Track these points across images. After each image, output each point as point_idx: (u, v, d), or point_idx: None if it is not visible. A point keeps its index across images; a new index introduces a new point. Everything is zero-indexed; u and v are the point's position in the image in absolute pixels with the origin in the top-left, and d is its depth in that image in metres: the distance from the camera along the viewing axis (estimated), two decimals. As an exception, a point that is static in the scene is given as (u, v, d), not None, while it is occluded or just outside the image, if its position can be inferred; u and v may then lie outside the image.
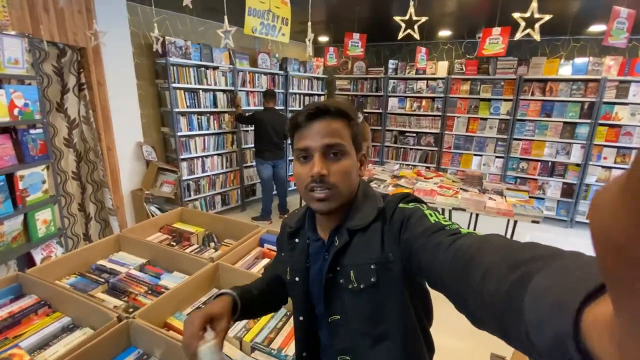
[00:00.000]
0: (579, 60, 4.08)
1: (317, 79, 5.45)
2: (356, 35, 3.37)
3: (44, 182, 2.27)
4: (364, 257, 0.67)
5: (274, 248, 1.60)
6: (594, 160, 4.17)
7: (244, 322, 1.17)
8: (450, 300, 0.49)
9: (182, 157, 3.68)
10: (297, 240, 0.80)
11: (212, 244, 1.71)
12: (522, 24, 1.34)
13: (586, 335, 0.22)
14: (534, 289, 0.31)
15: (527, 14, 1.30)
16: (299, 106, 5.20)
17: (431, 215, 0.61)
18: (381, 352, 0.68)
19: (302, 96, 5.22)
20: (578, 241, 3.97)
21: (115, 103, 3.17)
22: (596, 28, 3.82)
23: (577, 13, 3.15)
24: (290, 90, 4.94)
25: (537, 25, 1.28)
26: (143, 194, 3.36)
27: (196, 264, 1.37)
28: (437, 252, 0.52)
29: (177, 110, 3.54)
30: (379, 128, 5.39)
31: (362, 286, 0.66)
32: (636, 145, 3.96)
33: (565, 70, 4.16)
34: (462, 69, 4.68)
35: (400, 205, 0.67)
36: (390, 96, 5.19)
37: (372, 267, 0.66)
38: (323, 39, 5.41)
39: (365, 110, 5.49)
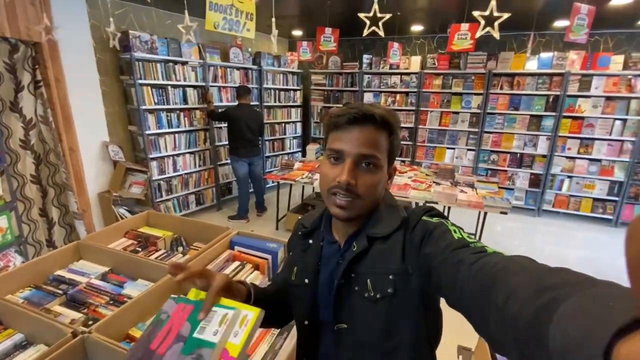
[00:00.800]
0: (544, 55, 4.24)
1: (292, 73, 5.38)
2: (328, 30, 3.34)
3: (-4, 187, 2.12)
4: (383, 266, 0.65)
5: (246, 251, 1.57)
6: (559, 151, 4.37)
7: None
8: (469, 321, 0.46)
9: (151, 156, 3.55)
10: (310, 241, 0.78)
11: (181, 249, 1.66)
12: (482, 22, 1.36)
13: None
14: (561, 316, 0.29)
15: (487, 12, 1.32)
16: (274, 101, 5.13)
17: (455, 231, 0.59)
18: None
19: (277, 91, 5.15)
20: (545, 229, 4.16)
21: (77, 101, 2.99)
22: (560, 23, 3.96)
23: (541, 9, 3.25)
24: (265, 85, 4.86)
25: (496, 24, 1.30)
26: (111, 196, 3.21)
27: (161, 270, 1.32)
28: (459, 269, 0.50)
29: (144, 107, 3.40)
30: (356, 123, 5.40)
31: (378, 296, 0.64)
32: (598, 136, 4.18)
33: (531, 64, 4.30)
34: (434, 64, 4.75)
35: (424, 218, 0.65)
36: (365, 91, 5.20)
37: (390, 277, 0.64)
38: (297, 33, 5.33)
39: (340, 106, 5.49)
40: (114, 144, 3.39)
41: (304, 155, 5.29)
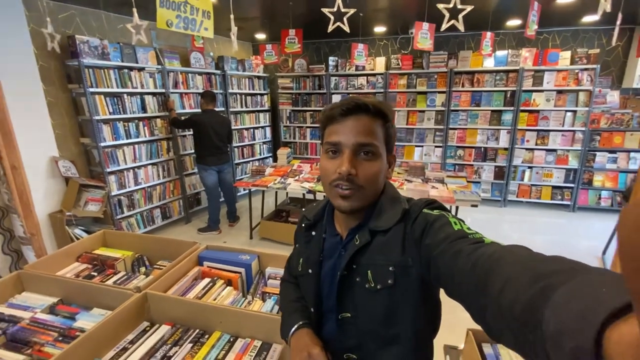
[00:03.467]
0: (500, 53, 4.44)
1: (258, 77, 5.26)
2: (292, 31, 3.28)
3: None
4: (383, 258, 0.66)
5: (216, 266, 1.46)
6: (519, 143, 4.58)
7: (181, 356, 1.02)
8: (467, 310, 0.47)
9: (108, 170, 3.29)
10: (313, 233, 0.80)
11: (143, 269, 1.51)
12: (447, 15, 1.36)
13: (608, 353, 0.22)
14: (555, 302, 0.30)
15: (450, 5, 1.32)
16: (241, 107, 4.98)
17: (455, 223, 0.59)
18: (390, 355, 0.68)
19: (243, 96, 5.01)
20: (511, 218, 4.34)
21: (18, 114, 2.71)
22: (512, 22, 4.17)
23: (495, 8, 3.40)
24: (230, 91, 4.70)
25: (460, 16, 1.31)
26: (64, 216, 2.93)
27: (120, 296, 1.18)
28: (456, 260, 0.50)
29: (97, 117, 3.14)
30: (325, 125, 5.38)
31: (378, 287, 0.66)
32: (552, 128, 4.43)
33: (489, 62, 4.49)
34: (398, 64, 4.84)
35: (425, 210, 0.66)
36: (333, 93, 5.19)
37: (391, 269, 0.65)
38: (260, 36, 5.23)
39: (309, 109, 5.44)
40: (65, 159, 3.10)
41: (275, 160, 5.18)
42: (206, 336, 1.11)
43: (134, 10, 1.35)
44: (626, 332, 0.21)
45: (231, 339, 1.09)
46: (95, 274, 1.45)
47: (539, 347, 0.30)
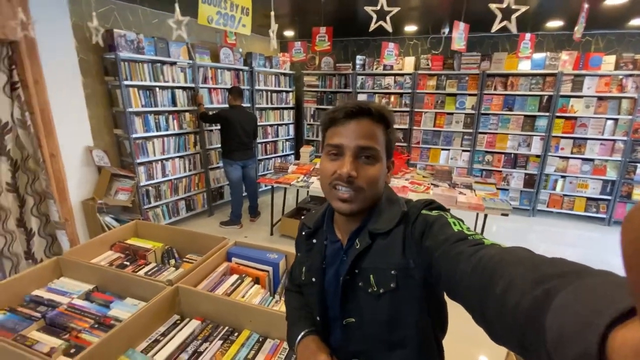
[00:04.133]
0: (537, 56, 4.24)
1: (284, 75, 5.27)
2: (323, 29, 3.25)
3: (-32, 197, 1.95)
4: (385, 261, 0.66)
5: (245, 262, 1.46)
6: (553, 151, 4.38)
7: (211, 353, 1.02)
8: (469, 312, 0.46)
9: (138, 161, 3.38)
10: (314, 240, 0.79)
11: (173, 261, 1.53)
12: (499, 15, 1.29)
13: (611, 358, 0.21)
14: (557, 306, 0.29)
15: (504, 5, 1.25)
16: (266, 103, 5.01)
17: (455, 224, 0.59)
18: (397, 359, 0.67)
19: (269, 93, 5.03)
20: (540, 229, 4.16)
21: (58, 103, 2.82)
22: (553, 24, 3.96)
23: (536, 10, 3.24)
24: (257, 87, 4.73)
25: (513, 17, 1.24)
26: (95, 203, 3.04)
27: (152, 288, 1.19)
28: (457, 262, 0.50)
29: (130, 110, 3.23)
30: (349, 124, 5.32)
31: (381, 291, 0.65)
32: (591, 136, 4.20)
33: (524, 65, 4.30)
34: (428, 65, 4.72)
35: (424, 211, 0.66)
36: (359, 92, 5.13)
37: (393, 272, 0.64)
38: (288, 33, 5.23)
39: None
40: (99, 148, 3.21)
41: (297, 157, 5.19)
42: (235, 334, 1.11)
43: (176, 5, 1.36)
44: (629, 336, 0.20)
45: (260, 339, 1.09)
46: (128, 263, 1.48)
47: (542, 351, 0.30)
